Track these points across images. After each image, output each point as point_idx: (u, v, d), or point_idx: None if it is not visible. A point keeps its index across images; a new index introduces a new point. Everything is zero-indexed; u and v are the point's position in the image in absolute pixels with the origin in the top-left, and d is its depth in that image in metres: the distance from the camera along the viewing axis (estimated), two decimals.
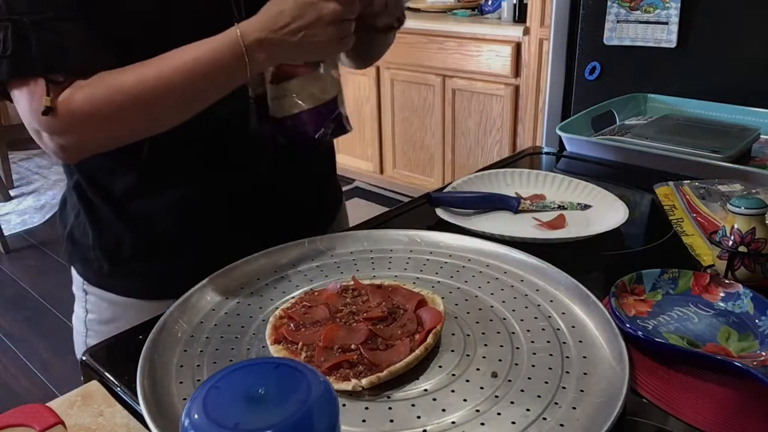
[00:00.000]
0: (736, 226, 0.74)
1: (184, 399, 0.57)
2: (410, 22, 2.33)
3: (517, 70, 2.82)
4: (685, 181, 1.02)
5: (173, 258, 0.85)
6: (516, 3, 2.84)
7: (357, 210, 3.05)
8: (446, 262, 0.81)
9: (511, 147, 2.96)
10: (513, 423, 0.53)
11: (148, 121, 0.71)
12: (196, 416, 0.36)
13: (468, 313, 0.70)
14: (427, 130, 3.28)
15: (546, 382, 0.58)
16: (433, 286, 0.75)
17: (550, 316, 0.69)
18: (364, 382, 0.57)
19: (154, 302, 0.82)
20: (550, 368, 0.60)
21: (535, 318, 0.68)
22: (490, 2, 3.13)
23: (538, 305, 0.71)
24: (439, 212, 0.96)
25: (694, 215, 0.92)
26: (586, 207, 0.99)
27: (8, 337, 2.54)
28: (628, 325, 0.65)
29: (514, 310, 0.70)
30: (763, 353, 0.62)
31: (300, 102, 0.77)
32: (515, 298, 0.72)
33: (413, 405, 0.56)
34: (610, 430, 0.51)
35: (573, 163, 1.26)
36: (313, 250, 0.84)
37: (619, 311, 0.68)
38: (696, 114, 1.37)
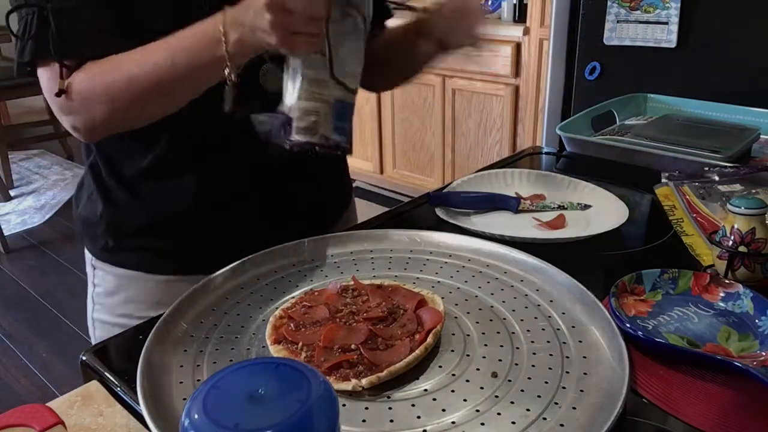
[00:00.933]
0: (736, 226, 0.74)
1: (184, 399, 0.57)
2: None
3: (517, 70, 2.81)
4: (685, 181, 1.02)
5: (177, 237, 0.88)
6: (516, 3, 2.83)
7: (357, 210, 3.05)
8: (446, 262, 0.81)
9: (511, 147, 2.96)
10: (513, 423, 0.53)
11: (144, 100, 0.73)
12: (196, 416, 0.36)
13: (468, 313, 0.70)
14: (427, 130, 3.28)
15: (546, 382, 0.58)
16: (433, 286, 0.75)
17: (550, 316, 0.68)
18: (364, 382, 0.57)
19: (155, 276, 0.88)
20: (550, 368, 0.60)
21: (535, 318, 0.68)
22: (490, 2, 3.13)
23: (538, 305, 0.71)
24: (439, 212, 0.96)
25: (694, 215, 0.92)
26: (586, 207, 0.99)
27: (8, 337, 2.54)
28: (628, 325, 0.65)
29: (514, 310, 0.70)
30: (763, 353, 0.62)
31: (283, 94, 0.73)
32: (515, 298, 0.72)
33: (413, 405, 0.56)
34: (610, 430, 0.51)
35: (573, 163, 1.26)
36: (313, 250, 0.84)
37: (619, 311, 0.68)
38: (696, 114, 1.37)
